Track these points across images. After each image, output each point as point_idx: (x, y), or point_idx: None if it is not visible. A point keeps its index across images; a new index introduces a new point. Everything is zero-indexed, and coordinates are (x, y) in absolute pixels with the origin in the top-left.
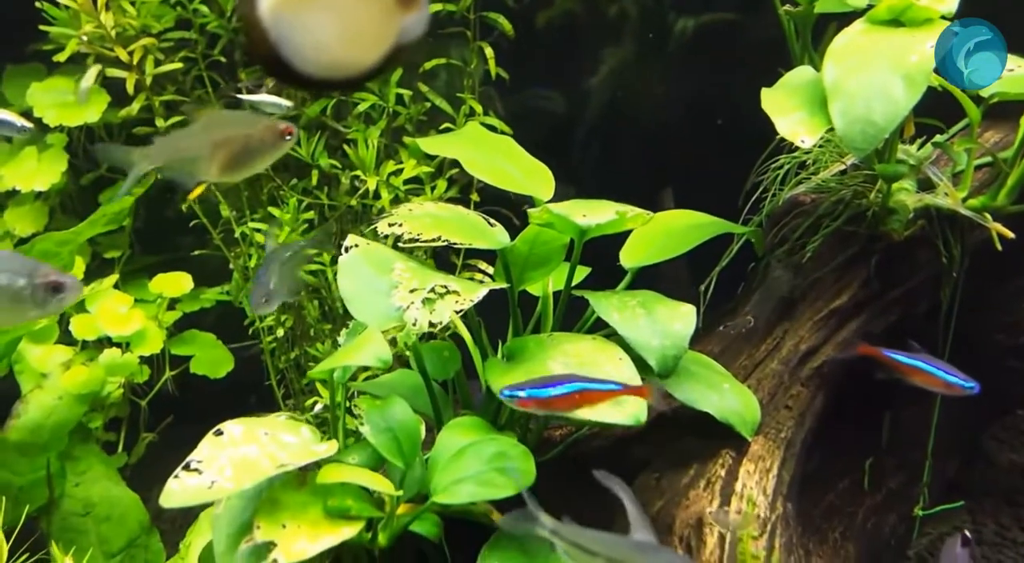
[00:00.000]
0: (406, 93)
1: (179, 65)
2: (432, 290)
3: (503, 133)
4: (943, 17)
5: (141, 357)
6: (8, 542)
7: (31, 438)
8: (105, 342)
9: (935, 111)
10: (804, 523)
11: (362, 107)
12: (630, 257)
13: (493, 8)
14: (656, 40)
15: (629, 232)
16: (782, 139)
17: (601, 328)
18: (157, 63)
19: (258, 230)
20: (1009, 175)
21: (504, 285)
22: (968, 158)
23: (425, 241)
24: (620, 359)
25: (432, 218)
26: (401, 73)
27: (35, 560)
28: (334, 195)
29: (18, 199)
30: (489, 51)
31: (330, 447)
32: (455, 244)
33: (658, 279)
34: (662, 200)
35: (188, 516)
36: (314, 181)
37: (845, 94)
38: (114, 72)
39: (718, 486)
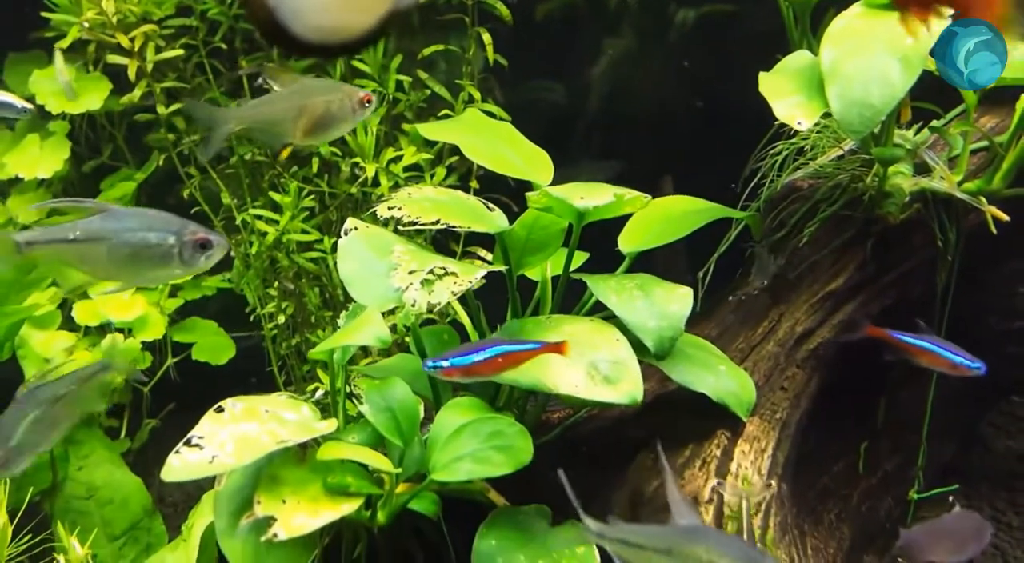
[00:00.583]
0: (405, 79)
1: (180, 52)
2: (431, 272)
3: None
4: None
5: (143, 343)
6: (11, 525)
7: None
8: (107, 328)
9: (931, 96)
10: (799, 504)
11: None
12: (628, 242)
13: None
14: (656, 30)
15: (626, 220)
16: (780, 126)
17: (599, 313)
18: (158, 50)
19: (259, 217)
20: (1004, 159)
21: (502, 267)
22: (964, 142)
23: (424, 224)
24: (617, 340)
25: (431, 202)
26: (401, 60)
27: (38, 541)
28: (334, 183)
29: (21, 186)
30: (487, 37)
31: (330, 425)
32: (454, 227)
33: (655, 267)
34: (661, 188)
35: (190, 500)
36: (314, 169)
37: (842, 77)
38: (116, 59)
39: (713, 466)
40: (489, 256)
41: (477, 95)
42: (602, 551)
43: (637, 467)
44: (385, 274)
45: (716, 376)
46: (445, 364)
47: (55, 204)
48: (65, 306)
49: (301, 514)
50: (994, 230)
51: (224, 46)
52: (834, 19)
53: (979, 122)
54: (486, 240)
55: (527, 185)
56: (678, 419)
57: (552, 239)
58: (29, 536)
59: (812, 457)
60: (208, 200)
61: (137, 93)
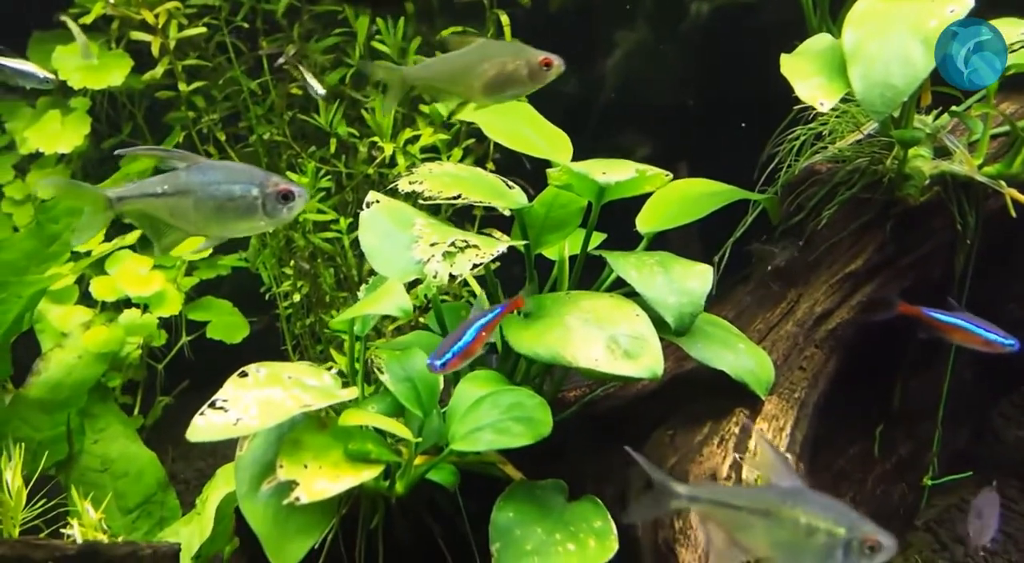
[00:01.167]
0: (424, 59)
1: (203, 30)
2: (452, 244)
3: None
4: None
5: (159, 321)
6: (30, 497)
7: (51, 395)
8: (123, 305)
9: None
10: (815, 487)
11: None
12: (646, 222)
13: None
14: (671, 20)
15: (643, 203)
16: (799, 112)
17: (617, 291)
18: (180, 28)
19: None
20: None
21: (523, 242)
22: (984, 126)
23: (445, 199)
24: (637, 315)
25: (452, 177)
26: (420, 42)
27: (52, 506)
28: (351, 163)
29: (40, 162)
30: (505, 19)
31: (351, 391)
32: (474, 202)
33: (669, 252)
34: (676, 174)
35: (202, 478)
36: (332, 149)
37: (865, 58)
38: (139, 35)
39: (732, 444)
40: (506, 238)
41: None
42: (619, 526)
43: (654, 444)
44: (406, 246)
45: (735, 354)
46: (449, 356)
47: (143, 151)
48: (82, 282)
49: (323, 479)
50: (1014, 213)
51: (246, 25)
52: (856, 2)
53: (999, 108)
54: (501, 224)
55: (543, 171)
56: (695, 398)
57: (571, 218)
58: (44, 501)
59: (828, 440)
60: None
61: (159, 70)
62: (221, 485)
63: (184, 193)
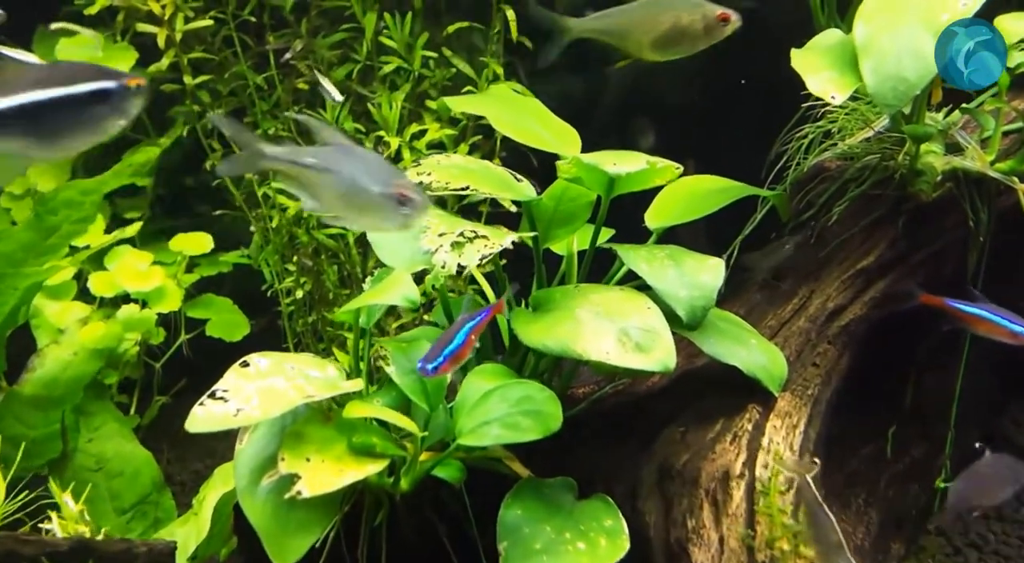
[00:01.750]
0: (431, 55)
1: (209, 23)
2: (461, 234)
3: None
4: None
5: (157, 319)
6: (17, 494)
7: (45, 392)
8: (122, 301)
9: None
10: (828, 487)
11: (387, 69)
12: (655, 218)
13: None
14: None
15: (650, 200)
16: (807, 110)
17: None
18: (187, 20)
19: (281, 191)
20: None
21: (531, 234)
22: (996, 123)
23: (453, 190)
24: (648, 308)
25: (460, 169)
26: (427, 37)
27: (32, 498)
28: None
29: None
30: (511, 13)
31: (356, 383)
32: (483, 194)
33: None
34: (684, 172)
35: (198, 479)
36: None
37: (876, 51)
38: (145, 27)
39: (744, 440)
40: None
41: (500, 70)
42: (630, 525)
43: (665, 441)
44: (414, 236)
45: (747, 349)
46: (440, 360)
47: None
48: (80, 278)
49: (325, 473)
50: None
51: (253, 19)
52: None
53: (1011, 104)
54: (508, 222)
55: (549, 169)
56: (707, 394)
57: (580, 211)
58: (26, 494)
59: (841, 439)
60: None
61: (165, 62)
62: (219, 485)
63: (323, 171)
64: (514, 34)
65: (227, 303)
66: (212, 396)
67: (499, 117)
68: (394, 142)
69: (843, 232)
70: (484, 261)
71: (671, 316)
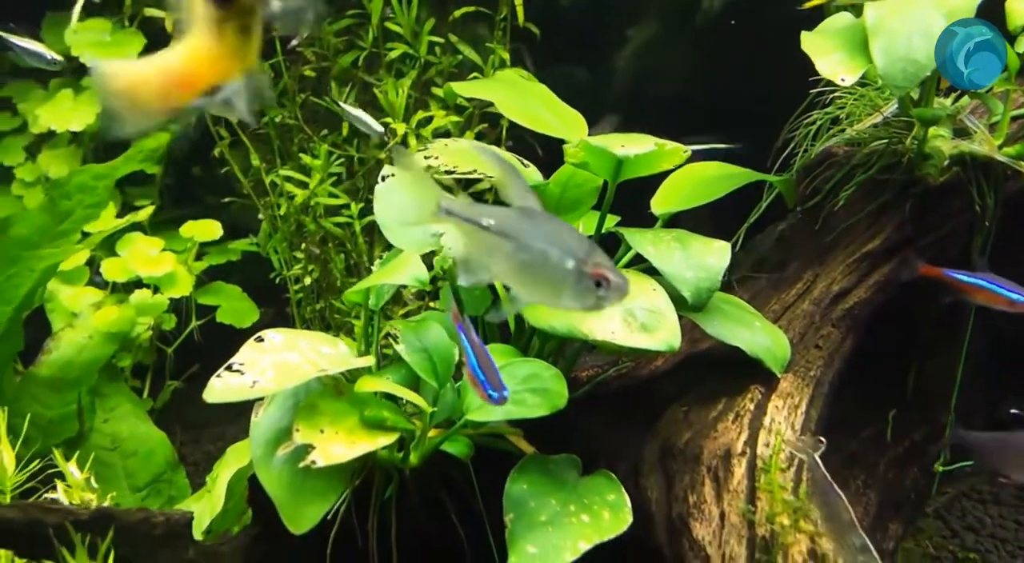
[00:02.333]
0: (438, 40)
1: None
2: None
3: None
4: None
5: (168, 306)
6: (27, 465)
7: (61, 374)
8: (134, 286)
9: None
10: (827, 468)
11: (393, 55)
12: (661, 204)
13: None
14: (683, 13)
15: (655, 188)
16: (815, 97)
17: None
18: None
19: (289, 179)
20: None
21: None
22: (1004, 108)
23: (461, 173)
24: (654, 289)
25: (467, 153)
26: (433, 23)
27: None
28: (363, 148)
29: (52, 142)
30: (519, 1)
31: (367, 359)
32: (490, 178)
33: None
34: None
35: (210, 459)
36: (344, 133)
37: (887, 33)
38: (152, 12)
39: (747, 420)
40: None
41: (506, 56)
42: (632, 501)
43: (668, 420)
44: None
45: (751, 331)
46: (506, 393)
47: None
48: (92, 265)
49: (339, 444)
50: None
51: None
52: None
53: (1021, 89)
54: None
55: (555, 158)
56: (710, 375)
57: (586, 197)
58: (36, 462)
59: (842, 421)
60: (236, 160)
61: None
62: (232, 463)
63: (505, 236)
64: (520, 20)
65: (236, 290)
66: (229, 368)
67: (506, 102)
68: (400, 128)
69: (849, 217)
70: None
71: (676, 299)
